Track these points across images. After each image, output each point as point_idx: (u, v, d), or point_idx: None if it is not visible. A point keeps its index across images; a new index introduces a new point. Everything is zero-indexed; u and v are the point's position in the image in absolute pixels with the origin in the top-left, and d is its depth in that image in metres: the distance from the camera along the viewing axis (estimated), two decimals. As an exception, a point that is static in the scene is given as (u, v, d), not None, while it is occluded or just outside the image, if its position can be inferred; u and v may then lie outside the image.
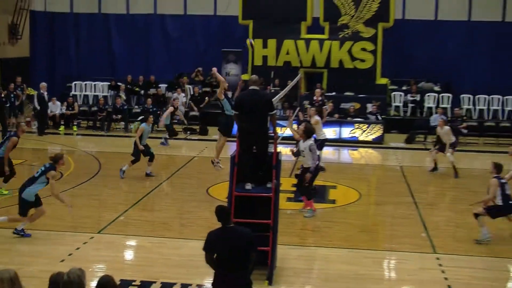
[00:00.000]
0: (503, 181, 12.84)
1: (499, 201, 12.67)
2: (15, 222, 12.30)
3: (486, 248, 12.38)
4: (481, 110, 27.44)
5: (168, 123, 22.45)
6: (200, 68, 29.09)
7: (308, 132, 13.90)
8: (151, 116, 18.80)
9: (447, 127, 19.02)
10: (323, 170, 17.34)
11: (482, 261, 11.70)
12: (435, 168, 19.09)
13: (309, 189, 14.17)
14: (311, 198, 14.21)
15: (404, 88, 28.16)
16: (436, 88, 28.28)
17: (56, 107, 26.02)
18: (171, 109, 22.58)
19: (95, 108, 26.83)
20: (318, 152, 13.82)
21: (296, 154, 14.45)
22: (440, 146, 19.04)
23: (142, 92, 27.96)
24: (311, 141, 13.77)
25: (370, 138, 24.01)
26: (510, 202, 12.72)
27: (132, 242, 12.49)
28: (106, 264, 11.08)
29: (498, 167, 12.99)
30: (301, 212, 14.26)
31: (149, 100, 25.91)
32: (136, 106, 27.30)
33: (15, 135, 15.20)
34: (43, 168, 12.27)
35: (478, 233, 12.69)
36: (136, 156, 17.38)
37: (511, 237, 13.22)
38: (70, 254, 11.33)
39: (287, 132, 17.35)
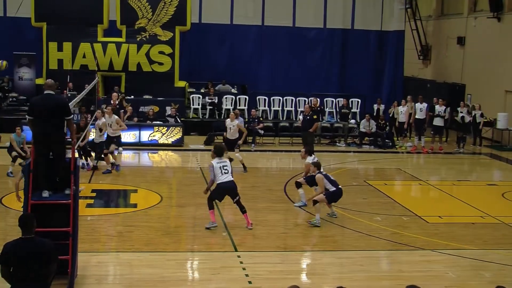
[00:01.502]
0: (324, 173, 14.50)
1: (331, 188, 14.11)
2: None
3: (282, 243, 13.02)
4: (276, 111, 28.59)
5: None
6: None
7: (216, 151, 13.78)
8: (18, 127, 18.92)
9: (235, 122, 19.89)
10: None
11: (279, 256, 12.22)
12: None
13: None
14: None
15: (202, 90, 28.65)
16: (233, 90, 29.06)
17: None
18: None
19: None
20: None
21: None
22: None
23: None
24: (212, 161, 13.63)
25: (170, 141, 24.11)
26: (339, 186, 14.31)
27: None
28: None
29: (318, 165, 14.62)
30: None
31: None
32: None
33: None
34: None
35: (311, 218, 14.16)
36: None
37: (300, 232, 13.92)
38: None
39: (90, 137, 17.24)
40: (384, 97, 30.14)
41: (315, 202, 14.00)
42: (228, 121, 20.08)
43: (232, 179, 13.64)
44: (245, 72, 30.20)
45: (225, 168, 13.56)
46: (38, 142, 10.16)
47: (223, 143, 19.03)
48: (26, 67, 27.21)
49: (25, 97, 26.11)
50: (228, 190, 13.59)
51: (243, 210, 13.73)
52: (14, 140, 18.39)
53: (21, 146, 18.43)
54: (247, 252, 12.25)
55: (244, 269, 11.33)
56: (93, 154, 19.27)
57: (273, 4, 30.76)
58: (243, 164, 19.59)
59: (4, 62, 13.86)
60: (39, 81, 25.96)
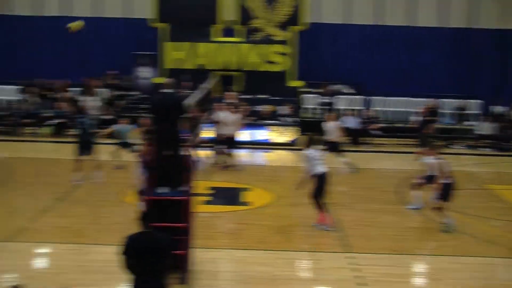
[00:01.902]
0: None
1: (447, 180, 13.42)
2: None
3: (394, 246, 12.80)
4: (391, 112, 28.15)
5: None
6: (113, 71, 28.69)
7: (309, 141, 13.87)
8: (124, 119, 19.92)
9: (334, 123, 19.65)
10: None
11: (390, 259, 12.05)
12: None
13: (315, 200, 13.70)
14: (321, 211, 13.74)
15: (316, 90, 28.57)
16: (348, 91, 28.83)
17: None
18: None
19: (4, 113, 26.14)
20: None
21: None
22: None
23: (59, 95, 27.23)
24: (306, 151, 13.69)
25: (284, 140, 24.24)
26: (453, 178, 13.56)
27: (43, 250, 12.18)
28: (16, 274, 10.76)
29: (435, 148, 14.42)
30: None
31: (64, 104, 25.49)
32: (50, 110, 26.60)
33: None
34: None
35: (440, 225, 13.68)
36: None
37: (413, 235, 13.67)
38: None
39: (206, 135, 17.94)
40: (506, 98, 29.04)
41: (437, 209, 13.63)
42: (325, 123, 20.05)
43: (327, 170, 13.52)
44: (359, 72, 29.90)
45: (319, 158, 13.46)
46: (157, 139, 10.51)
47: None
48: (146, 66, 28.18)
49: (144, 96, 26.97)
50: (325, 181, 13.47)
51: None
52: (115, 131, 19.32)
53: (127, 139, 19.06)
54: (358, 254, 12.17)
55: (354, 270, 11.26)
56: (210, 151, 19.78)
57: (387, 3, 30.30)
58: (351, 166, 19.44)
59: (77, 23, 13.24)
60: (158, 80, 26.72)
